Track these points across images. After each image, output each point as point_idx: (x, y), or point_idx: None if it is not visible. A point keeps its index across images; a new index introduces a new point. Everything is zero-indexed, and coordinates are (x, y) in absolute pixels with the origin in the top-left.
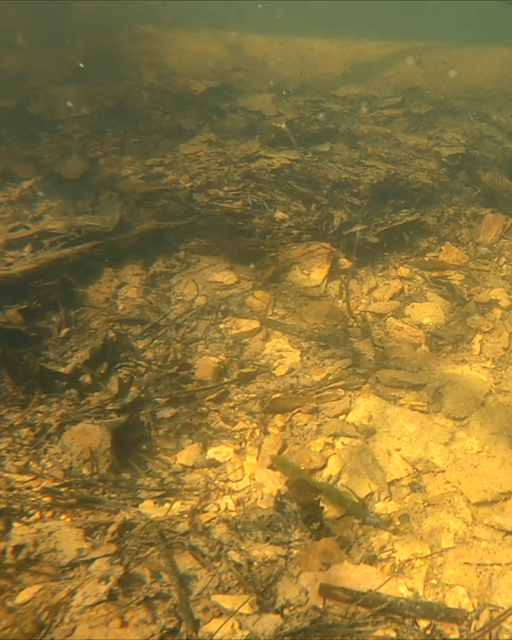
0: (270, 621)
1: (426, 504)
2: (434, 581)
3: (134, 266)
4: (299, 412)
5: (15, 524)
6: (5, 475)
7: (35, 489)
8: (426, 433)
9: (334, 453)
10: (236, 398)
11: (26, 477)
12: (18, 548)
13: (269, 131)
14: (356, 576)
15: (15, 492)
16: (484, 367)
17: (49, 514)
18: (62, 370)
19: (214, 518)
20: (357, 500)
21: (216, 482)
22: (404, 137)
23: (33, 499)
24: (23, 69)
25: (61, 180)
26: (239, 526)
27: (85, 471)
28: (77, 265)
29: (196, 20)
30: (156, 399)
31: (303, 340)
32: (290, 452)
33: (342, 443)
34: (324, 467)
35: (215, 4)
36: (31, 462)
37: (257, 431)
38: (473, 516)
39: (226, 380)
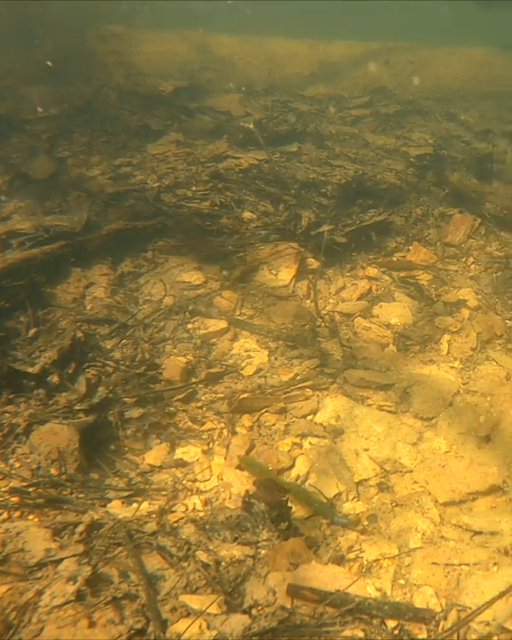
0: (238, 621)
1: (394, 504)
2: (402, 581)
3: (102, 266)
4: (266, 412)
5: None
6: None
7: (2, 489)
8: (394, 433)
9: (302, 453)
10: (203, 398)
11: None
12: None
13: (237, 131)
14: (324, 576)
15: None
16: (451, 367)
17: (17, 514)
18: (30, 370)
19: (182, 518)
20: (325, 500)
21: (184, 482)
22: (372, 137)
23: (0, 499)
24: None
25: (29, 180)
26: (207, 526)
27: (53, 471)
28: (45, 265)
29: (178, 20)
30: (124, 399)
31: (271, 340)
32: (258, 452)
33: (310, 443)
34: (291, 467)
35: (194, 4)
36: None
37: (225, 431)
38: (441, 516)
39: (194, 379)
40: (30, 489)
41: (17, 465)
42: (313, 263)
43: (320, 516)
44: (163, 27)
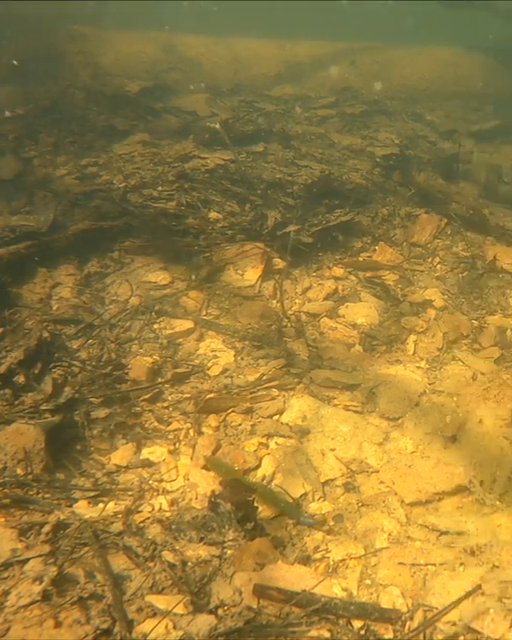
0: (204, 622)
1: (360, 504)
2: (368, 581)
3: (68, 266)
4: (233, 412)
5: None
6: None
7: None
8: (360, 433)
9: (268, 453)
10: (170, 398)
11: None
12: None
13: (204, 131)
14: (291, 576)
15: None
16: (418, 367)
17: None
18: None
19: (148, 518)
20: (291, 500)
21: (150, 482)
22: (338, 137)
23: None
24: None
25: None
26: (173, 526)
27: (19, 471)
28: (11, 265)
29: (145, 20)
30: (91, 399)
31: (237, 340)
32: (224, 453)
33: (276, 443)
34: (258, 467)
35: (161, 5)
36: None
37: (191, 431)
38: (407, 516)
39: (160, 380)
40: None
41: None
42: (279, 263)
43: (286, 516)
44: (130, 27)
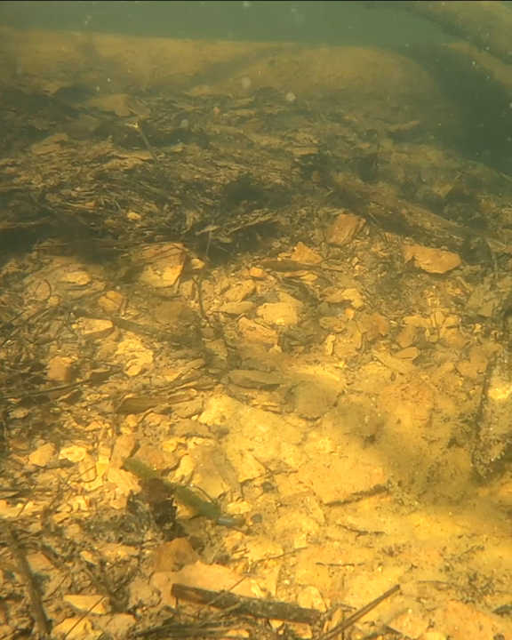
0: (123, 622)
1: (278, 504)
2: (286, 582)
3: None
4: (151, 412)
5: None
6: None
7: None
8: (278, 433)
9: (187, 454)
10: (88, 398)
11: None
12: None
13: (122, 131)
14: (209, 576)
15: None
16: (336, 367)
17: None
18: None
19: (67, 519)
20: (210, 501)
21: (69, 482)
22: (257, 137)
23: None
24: None
25: None
26: (92, 527)
27: None
28: None
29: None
30: (9, 399)
31: (156, 340)
32: (143, 453)
33: (195, 443)
34: (176, 467)
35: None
36: None
37: (109, 431)
38: (325, 517)
39: (78, 380)
40: None
41: None
42: (198, 263)
43: (205, 516)
44: (49, 27)
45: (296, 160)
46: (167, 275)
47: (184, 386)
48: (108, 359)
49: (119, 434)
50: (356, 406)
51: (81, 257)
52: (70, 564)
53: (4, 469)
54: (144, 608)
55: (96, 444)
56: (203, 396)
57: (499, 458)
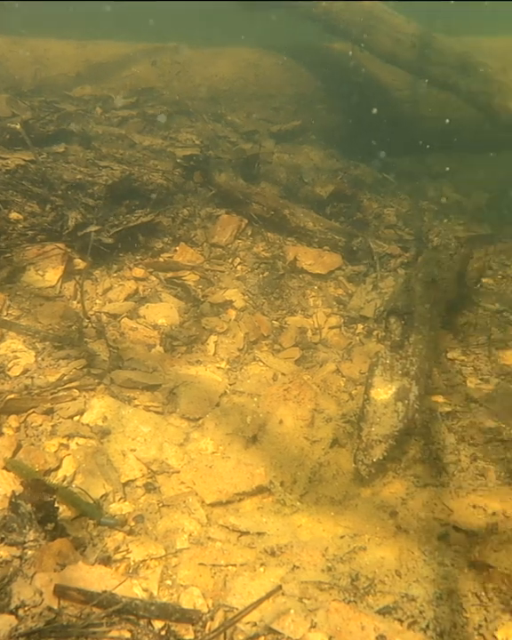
0: (4, 622)
1: (160, 505)
2: (168, 582)
3: None
4: (33, 412)
5: None
6: None
7: None
8: (160, 433)
9: (69, 454)
10: None
11: None
12: None
13: (4, 131)
14: (91, 577)
15: None
16: (218, 368)
17: None
18: None
19: None
20: (92, 501)
21: None
22: (139, 137)
23: None
24: None
25: None
26: None
27: None
28: None
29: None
30: None
31: (38, 340)
32: (25, 453)
33: (77, 443)
34: (58, 467)
35: None
36: None
37: None
38: (208, 517)
39: None
40: None
41: None
42: (80, 264)
43: (87, 516)
44: None
45: (178, 160)
46: (49, 275)
47: (66, 386)
48: None
49: (1, 434)
50: (239, 407)
51: None
52: None
53: None
54: (26, 608)
55: None
56: (85, 396)
57: (381, 458)
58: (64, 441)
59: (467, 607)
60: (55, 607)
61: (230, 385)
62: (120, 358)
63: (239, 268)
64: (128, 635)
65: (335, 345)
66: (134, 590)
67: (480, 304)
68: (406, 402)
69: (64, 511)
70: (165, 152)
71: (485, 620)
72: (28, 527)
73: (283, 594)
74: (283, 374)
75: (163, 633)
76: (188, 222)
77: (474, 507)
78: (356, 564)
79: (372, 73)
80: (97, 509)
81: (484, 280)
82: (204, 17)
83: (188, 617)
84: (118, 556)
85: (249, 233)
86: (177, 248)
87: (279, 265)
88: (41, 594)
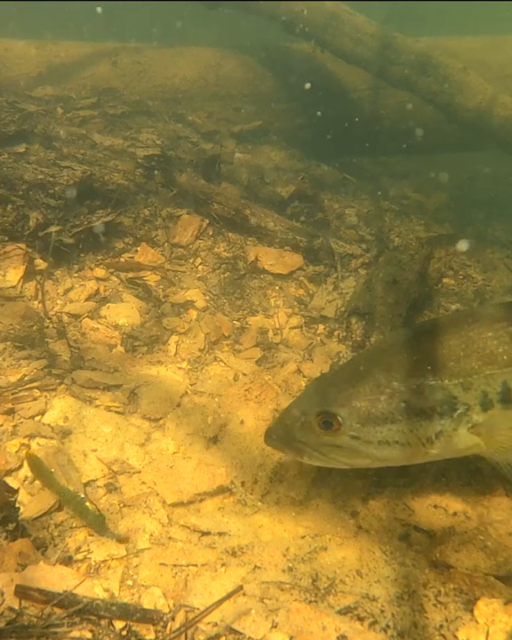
0: None
1: (122, 505)
2: (130, 582)
3: None
4: None
5: None
6: None
7: None
8: (122, 434)
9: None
10: None
11: None
12: None
13: None
14: (52, 577)
15: None
16: (179, 368)
17: None
18: None
19: None
20: (99, 514)
21: None
22: (100, 138)
23: None
24: None
25: None
26: None
27: None
28: None
29: None
30: None
31: None
32: None
33: (38, 444)
34: (20, 467)
35: None
36: None
37: None
38: (169, 517)
39: None
40: None
41: None
42: (41, 264)
43: (91, 528)
44: None
45: (139, 161)
46: (10, 275)
47: (27, 386)
48: None
49: None
50: (200, 407)
51: None
52: None
53: None
54: None
55: None
56: (46, 396)
57: None
58: (25, 441)
59: (427, 607)
60: (16, 607)
61: (191, 385)
62: (81, 358)
63: (200, 268)
64: (89, 635)
65: (296, 345)
66: (95, 590)
67: (441, 304)
68: None
69: (25, 511)
70: (126, 152)
71: (446, 620)
72: None
73: (244, 594)
74: (244, 374)
75: (124, 633)
76: (149, 222)
77: (435, 507)
78: (317, 564)
79: (334, 73)
80: (102, 523)
81: (444, 280)
82: (165, 17)
83: (149, 617)
84: (79, 556)
85: (210, 233)
86: (138, 248)
87: (240, 265)
88: (2, 594)
